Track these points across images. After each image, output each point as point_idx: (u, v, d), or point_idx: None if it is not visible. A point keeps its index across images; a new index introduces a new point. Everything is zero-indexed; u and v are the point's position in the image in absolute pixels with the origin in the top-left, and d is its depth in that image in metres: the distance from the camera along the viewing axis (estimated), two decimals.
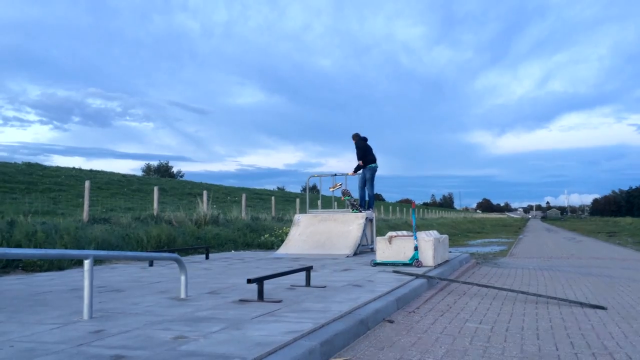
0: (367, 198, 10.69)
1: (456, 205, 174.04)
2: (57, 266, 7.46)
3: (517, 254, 13.71)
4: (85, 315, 3.47)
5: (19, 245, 7.64)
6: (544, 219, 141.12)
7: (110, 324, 3.31)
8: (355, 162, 10.71)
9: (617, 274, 8.22)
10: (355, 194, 10.88)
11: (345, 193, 10.69)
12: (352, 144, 10.81)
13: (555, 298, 5.23)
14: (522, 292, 5.53)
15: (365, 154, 10.56)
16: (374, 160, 10.64)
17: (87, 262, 3.49)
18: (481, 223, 52.70)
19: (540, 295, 5.36)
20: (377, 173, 10.73)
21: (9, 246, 7.38)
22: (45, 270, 7.15)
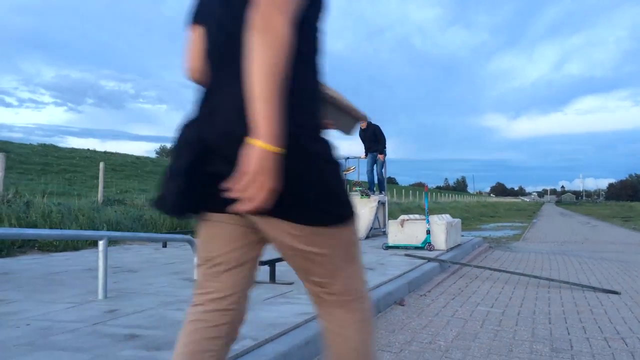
0: (376, 181, 10.66)
1: (469, 189, 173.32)
2: (73, 246, 7.57)
3: (530, 239, 13.61)
4: (100, 295, 3.52)
5: (34, 226, 7.75)
6: (558, 203, 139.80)
7: (124, 303, 3.36)
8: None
9: (632, 258, 8.14)
10: (363, 178, 10.89)
11: (356, 184, 10.69)
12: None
13: (568, 282, 5.19)
14: (535, 277, 5.51)
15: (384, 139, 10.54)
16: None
17: (101, 243, 3.53)
18: (495, 207, 52.30)
19: (552, 280, 5.33)
20: (390, 157, 10.71)
21: (25, 227, 7.49)
22: (61, 251, 7.27)
